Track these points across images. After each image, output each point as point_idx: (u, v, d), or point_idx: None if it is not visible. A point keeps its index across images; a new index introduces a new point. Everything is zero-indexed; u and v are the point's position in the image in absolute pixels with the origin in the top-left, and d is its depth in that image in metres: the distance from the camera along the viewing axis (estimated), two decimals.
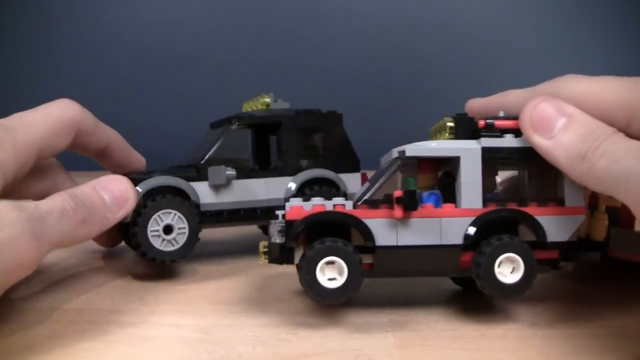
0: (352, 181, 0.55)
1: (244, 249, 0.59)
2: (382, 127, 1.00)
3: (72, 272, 0.51)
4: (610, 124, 0.39)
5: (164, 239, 0.49)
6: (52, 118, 0.47)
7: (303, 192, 0.53)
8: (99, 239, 0.55)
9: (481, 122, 0.41)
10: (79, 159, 0.54)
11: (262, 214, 0.53)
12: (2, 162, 0.42)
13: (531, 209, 0.41)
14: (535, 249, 0.40)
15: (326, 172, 0.55)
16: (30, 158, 0.45)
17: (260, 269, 0.53)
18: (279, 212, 0.42)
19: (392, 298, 0.46)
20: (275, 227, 0.41)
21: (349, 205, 0.41)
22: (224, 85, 1.01)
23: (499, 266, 0.40)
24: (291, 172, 0.54)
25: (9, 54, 1.03)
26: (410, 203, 0.39)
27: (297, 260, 0.40)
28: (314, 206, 0.40)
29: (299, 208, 0.40)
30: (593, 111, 0.39)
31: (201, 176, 0.51)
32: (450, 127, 0.42)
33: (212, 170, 0.51)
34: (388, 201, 0.40)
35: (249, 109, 0.57)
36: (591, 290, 0.48)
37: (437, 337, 0.40)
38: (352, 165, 0.56)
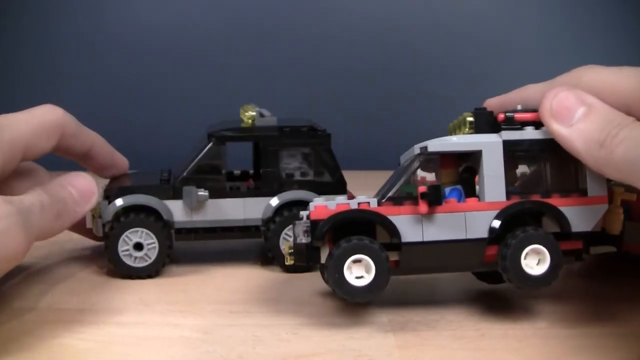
0: None
1: (244, 250, 0.59)
2: (383, 128, 1.00)
3: (71, 272, 0.51)
4: (629, 113, 0.38)
5: (135, 257, 0.50)
6: (37, 119, 0.49)
7: (281, 213, 0.52)
8: (85, 232, 0.55)
9: (501, 116, 0.42)
10: (61, 160, 0.55)
11: (239, 232, 0.52)
12: None
13: (555, 200, 0.41)
14: (559, 240, 0.40)
15: (307, 193, 0.52)
16: (15, 156, 0.46)
17: (260, 269, 0.53)
18: (303, 213, 0.42)
19: (392, 298, 0.45)
20: (300, 227, 0.41)
21: (373, 203, 0.40)
22: (223, 86, 1.01)
23: (525, 258, 0.40)
24: (270, 192, 0.52)
25: (8, 54, 1.03)
26: (435, 198, 0.40)
27: (323, 259, 0.40)
28: (338, 205, 0.40)
29: (324, 207, 0.40)
30: (611, 100, 0.39)
31: (176, 195, 0.51)
32: (470, 122, 0.42)
33: (185, 191, 0.50)
34: (412, 197, 0.41)
35: (242, 117, 0.56)
36: (591, 289, 0.48)
37: (437, 337, 0.40)
38: (337, 187, 0.53)
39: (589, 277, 0.50)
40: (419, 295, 0.47)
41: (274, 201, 0.52)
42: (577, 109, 0.38)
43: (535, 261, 0.40)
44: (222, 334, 0.40)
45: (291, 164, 0.53)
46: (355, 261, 0.39)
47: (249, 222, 0.52)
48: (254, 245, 0.59)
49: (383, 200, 0.41)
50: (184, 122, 0.97)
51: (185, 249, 0.57)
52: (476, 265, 0.42)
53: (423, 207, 0.40)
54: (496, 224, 0.40)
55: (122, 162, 0.58)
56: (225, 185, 0.52)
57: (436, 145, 0.41)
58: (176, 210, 0.51)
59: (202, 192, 0.50)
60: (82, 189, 0.47)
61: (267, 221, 0.52)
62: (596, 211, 0.42)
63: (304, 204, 0.51)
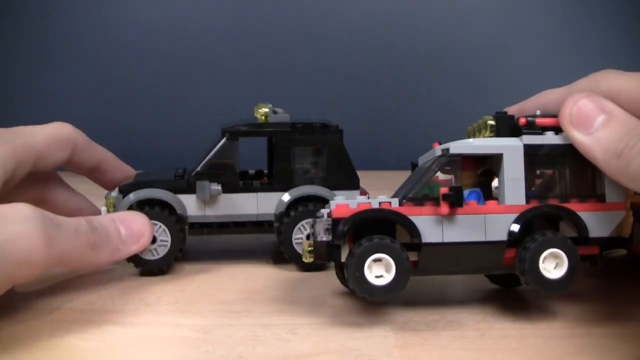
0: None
1: (245, 250, 0.59)
2: (386, 129, 1.00)
3: (72, 272, 0.52)
4: None
5: (148, 250, 0.50)
6: (49, 132, 0.50)
7: (296, 208, 0.52)
8: None
9: (522, 120, 0.42)
10: None
11: (252, 227, 0.53)
12: (2, 155, 0.44)
13: (573, 205, 0.41)
14: (576, 245, 0.41)
15: (320, 189, 0.53)
16: (27, 162, 0.47)
17: (260, 269, 0.53)
18: (324, 211, 0.42)
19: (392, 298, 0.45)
20: (321, 225, 0.41)
21: (394, 203, 0.41)
22: (230, 88, 1.01)
23: (543, 261, 0.40)
24: (283, 188, 0.52)
25: (7, 54, 1.03)
26: (456, 200, 0.40)
27: (343, 258, 0.41)
28: (360, 204, 0.41)
29: (345, 206, 0.40)
30: (629, 107, 0.39)
31: (190, 189, 0.51)
32: (491, 125, 0.43)
33: (198, 185, 0.51)
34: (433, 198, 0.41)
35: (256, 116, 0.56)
36: (591, 290, 0.48)
37: (437, 337, 0.40)
38: (350, 182, 0.53)
39: (589, 278, 0.50)
40: (419, 295, 0.46)
41: (286, 196, 0.52)
42: (596, 117, 0.38)
43: (553, 265, 0.40)
44: (222, 334, 0.40)
45: (304, 159, 0.53)
46: (376, 260, 0.39)
47: (262, 217, 0.53)
48: (257, 245, 0.59)
49: (404, 201, 0.41)
50: (189, 123, 0.97)
51: (191, 248, 0.57)
52: (494, 268, 0.42)
53: (444, 208, 0.40)
54: (515, 227, 0.41)
55: (131, 174, 0.58)
56: (238, 180, 0.53)
57: (458, 147, 0.42)
58: (190, 204, 0.52)
59: (216, 187, 0.51)
60: (132, 229, 0.48)
61: (280, 216, 0.52)
62: (614, 217, 0.42)
63: (316, 200, 0.52)
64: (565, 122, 0.39)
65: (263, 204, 0.52)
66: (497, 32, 1.02)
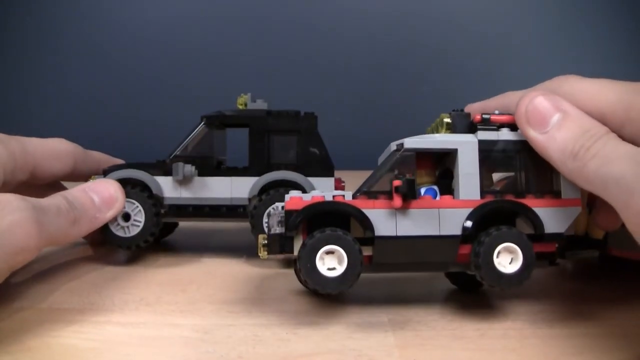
0: (323, 186, 0.54)
1: (245, 250, 0.59)
2: (379, 125, 1.00)
3: (72, 272, 0.52)
4: (605, 123, 0.39)
5: (119, 224, 0.52)
6: (48, 144, 0.53)
7: (267, 193, 0.53)
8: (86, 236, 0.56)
9: (477, 117, 0.42)
10: None
11: (227, 211, 0.54)
12: (2, 155, 0.46)
13: (528, 201, 0.41)
14: (533, 242, 0.40)
15: (293, 174, 0.53)
16: (25, 166, 0.49)
17: (260, 269, 0.53)
18: (279, 204, 0.42)
19: (392, 298, 0.46)
20: (274, 218, 0.41)
21: (348, 196, 0.41)
22: (221, 81, 1.01)
23: (497, 256, 0.40)
24: (257, 172, 0.54)
25: (7, 55, 1.03)
26: (409, 192, 0.40)
27: (296, 250, 0.40)
28: (314, 197, 0.41)
29: (299, 199, 0.40)
30: (589, 109, 0.40)
31: (167, 171, 0.53)
32: (447, 123, 0.43)
33: (174, 166, 0.53)
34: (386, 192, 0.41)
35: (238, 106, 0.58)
36: (591, 289, 0.48)
37: (437, 337, 0.40)
38: (324, 169, 0.54)
39: (588, 279, 0.50)
40: (419, 295, 0.47)
41: (259, 181, 0.53)
42: (552, 115, 0.38)
43: (508, 260, 0.40)
44: (222, 334, 0.40)
45: (278, 145, 0.54)
46: (328, 252, 0.39)
47: (236, 201, 0.53)
48: (254, 246, 0.59)
49: (358, 194, 0.41)
50: (181, 116, 0.97)
51: (187, 247, 0.57)
52: (449, 265, 0.42)
53: (397, 201, 0.40)
54: (469, 222, 0.41)
55: None
56: (213, 164, 0.54)
57: (413, 142, 0.42)
58: (166, 186, 0.53)
59: (189, 168, 0.52)
60: (104, 196, 0.49)
61: (252, 200, 0.53)
62: (570, 213, 0.42)
63: (290, 185, 0.53)
64: (521, 119, 0.39)
65: (237, 188, 0.53)
66: (498, 32, 1.02)
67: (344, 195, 0.41)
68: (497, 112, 0.43)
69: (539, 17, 1.01)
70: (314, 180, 0.54)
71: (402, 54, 1.00)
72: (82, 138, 0.59)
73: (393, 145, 0.43)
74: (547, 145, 0.38)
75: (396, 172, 0.41)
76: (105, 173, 0.54)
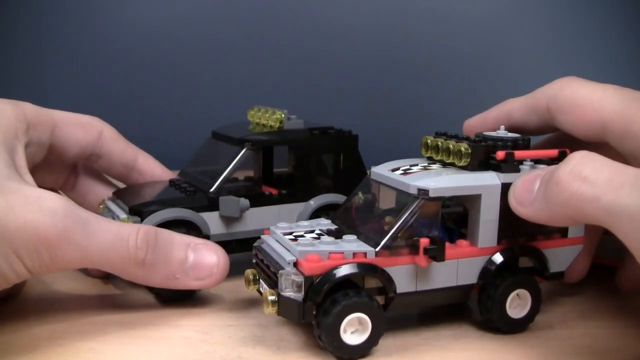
0: None
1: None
2: (380, 125, 1.00)
3: (72, 272, 0.51)
4: (605, 133, 0.39)
5: None
6: (72, 114, 0.49)
7: (317, 216, 0.48)
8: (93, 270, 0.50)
9: (500, 154, 0.39)
10: None
11: None
12: (8, 115, 0.42)
13: (539, 243, 0.41)
14: (535, 275, 0.41)
15: (337, 196, 0.51)
16: (40, 124, 0.45)
17: None
18: (288, 257, 0.37)
19: None
20: (288, 280, 0.36)
21: (370, 254, 0.37)
22: (224, 88, 1.01)
23: (510, 305, 0.40)
24: (303, 197, 0.50)
25: (7, 55, 1.03)
26: (439, 255, 0.37)
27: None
28: (331, 254, 0.36)
29: (316, 259, 0.36)
30: (589, 118, 0.40)
31: (212, 206, 0.47)
32: (467, 154, 0.40)
33: (224, 202, 0.47)
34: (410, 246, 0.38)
35: (257, 120, 0.55)
36: (590, 290, 0.48)
37: (437, 337, 0.40)
38: None
39: (587, 279, 0.50)
40: None
41: (309, 206, 0.50)
42: (533, 185, 0.36)
43: (516, 304, 0.40)
44: (222, 334, 0.40)
45: (322, 166, 0.51)
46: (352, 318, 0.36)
47: None
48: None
49: (378, 249, 0.37)
50: (183, 124, 0.97)
51: None
52: (460, 302, 0.41)
53: (423, 261, 0.37)
54: (488, 272, 0.40)
55: (168, 177, 0.53)
56: (261, 192, 0.50)
57: (438, 190, 0.38)
58: (212, 222, 0.47)
59: (244, 202, 0.47)
60: (202, 262, 0.42)
61: None
62: (573, 251, 0.42)
63: (335, 208, 0.47)
64: (512, 203, 0.37)
65: (285, 215, 0.49)
66: (498, 33, 1.02)
67: (365, 253, 0.37)
68: (502, 128, 0.42)
69: (544, 17, 1.01)
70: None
71: (402, 54, 1.00)
72: None
73: (413, 188, 0.38)
74: (532, 217, 0.36)
75: (415, 224, 0.37)
76: (135, 213, 0.45)
